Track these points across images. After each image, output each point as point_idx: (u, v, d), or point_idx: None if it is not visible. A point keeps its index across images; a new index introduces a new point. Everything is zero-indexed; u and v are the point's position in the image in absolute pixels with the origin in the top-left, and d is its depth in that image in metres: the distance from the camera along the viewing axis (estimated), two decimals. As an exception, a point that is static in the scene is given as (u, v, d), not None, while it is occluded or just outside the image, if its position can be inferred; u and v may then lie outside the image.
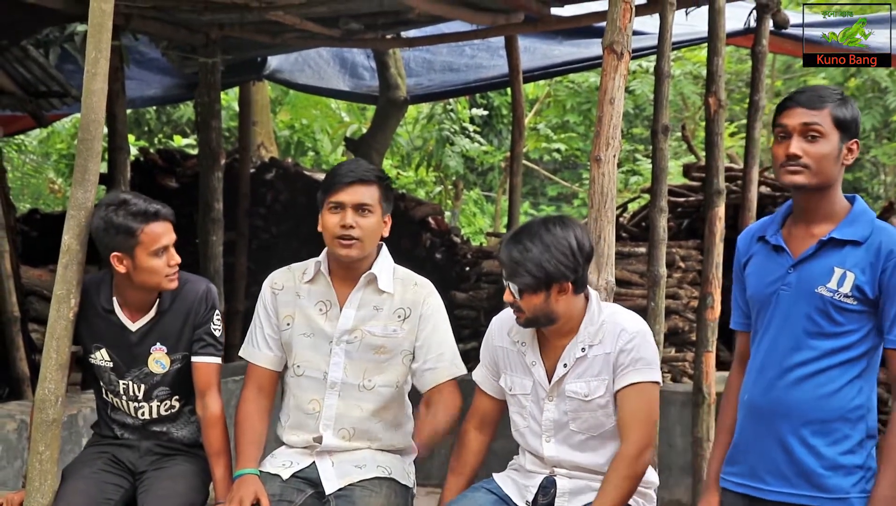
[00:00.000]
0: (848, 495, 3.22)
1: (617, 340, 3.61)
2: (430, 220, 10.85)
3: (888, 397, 3.33)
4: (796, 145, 3.22)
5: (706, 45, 6.41)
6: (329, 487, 3.82)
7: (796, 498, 3.25)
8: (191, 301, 3.97)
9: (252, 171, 10.48)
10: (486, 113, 16.06)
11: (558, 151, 17.91)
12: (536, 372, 3.70)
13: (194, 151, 12.91)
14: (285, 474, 3.85)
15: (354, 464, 3.87)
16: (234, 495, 3.72)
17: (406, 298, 3.90)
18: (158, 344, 3.95)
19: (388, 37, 8.26)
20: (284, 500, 3.77)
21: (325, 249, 3.91)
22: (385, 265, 3.93)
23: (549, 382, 3.67)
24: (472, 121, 16.36)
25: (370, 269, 3.88)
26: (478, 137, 16.36)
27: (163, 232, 3.85)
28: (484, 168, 18.93)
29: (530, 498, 3.71)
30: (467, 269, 10.08)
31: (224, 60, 8.03)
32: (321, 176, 11.36)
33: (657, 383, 3.64)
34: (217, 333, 4.00)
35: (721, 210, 6.23)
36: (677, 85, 15.41)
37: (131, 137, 13.86)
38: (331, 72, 9.71)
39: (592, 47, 8.69)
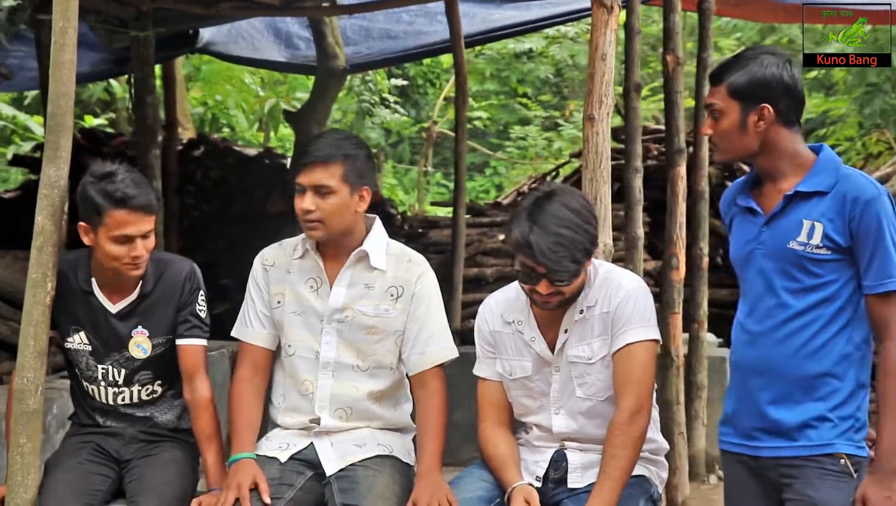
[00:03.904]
0: (833, 442, 3.20)
1: (614, 297, 3.51)
2: (364, 192, 10.65)
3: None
4: (708, 125, 3.29)
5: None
6: (330, 468, 3.67)
7: (788, 451, 3.24)
8: (174, 282, 3.81)
9: (179, 148, 10.21)
10: (404, 83, 15.87)
11: (479, 119, 17.79)
12: (538, 347, 3.58)
13: (108, 131, 12.61)
14: (283, 457, 3.70)
15: (354, 443, 3.73)
16: (232, 480, 3.56)
17: (399, 275, 3.74)
18: (140, 327, 3.79)
19: (325, 4, 8.04)
20: (284, 483, 3.61)
21: None
22: (378, 241, 3.77)
23: (553, 352, 3.56)
24: (389, 91, 16.16)
25: (361, 245, 3.72)
26: (397, 107, 16.18)
27: (129, 221, 3.60)
28: (395, 140, 18.74)
29: (540, 473, 3.60)
30: (404, 241, 9.92)
31: (156, 34, 7.75)
32: (252, 152, 11.17)
33: (654, 340, 3.52)
34: (202, 315, 3.84)
35: (682, 169, 6.19)
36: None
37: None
38: (266, 43, 9.47)
39: (533, 10, 8.58)
